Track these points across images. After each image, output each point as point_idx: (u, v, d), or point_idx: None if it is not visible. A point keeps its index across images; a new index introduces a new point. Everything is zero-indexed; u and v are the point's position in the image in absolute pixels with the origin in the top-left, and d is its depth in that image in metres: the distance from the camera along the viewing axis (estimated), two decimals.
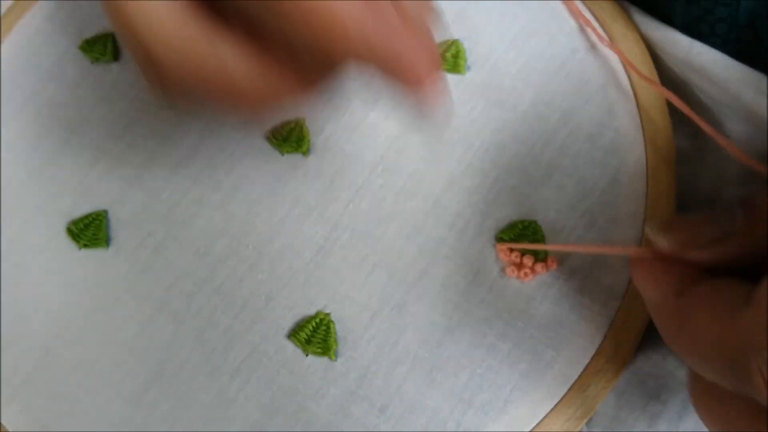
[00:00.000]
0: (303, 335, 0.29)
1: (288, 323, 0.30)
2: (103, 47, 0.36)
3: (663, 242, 0.24)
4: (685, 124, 0.34)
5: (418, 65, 0.23)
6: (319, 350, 0.29)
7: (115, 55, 0.36)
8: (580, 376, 0.28)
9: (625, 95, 0.33)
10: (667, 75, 0.34)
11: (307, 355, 0.29)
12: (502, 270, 0.30)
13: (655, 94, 0.32)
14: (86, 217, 0.32)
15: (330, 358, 0.29)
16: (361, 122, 0.33)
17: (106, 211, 0.33)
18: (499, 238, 0.30)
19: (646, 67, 0.33)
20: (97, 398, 0.29)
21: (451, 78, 0.34)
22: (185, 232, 0.32)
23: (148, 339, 0.30)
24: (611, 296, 0.29)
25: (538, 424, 0.27)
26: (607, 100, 0.33)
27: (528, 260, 0.29)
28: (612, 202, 0.31)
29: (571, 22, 0.34)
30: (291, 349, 0.29)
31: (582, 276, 0.29)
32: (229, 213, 0.32)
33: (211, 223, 0.32)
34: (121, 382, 0.30)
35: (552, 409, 0.27)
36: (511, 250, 0.30)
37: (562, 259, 0.30)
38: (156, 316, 0.30)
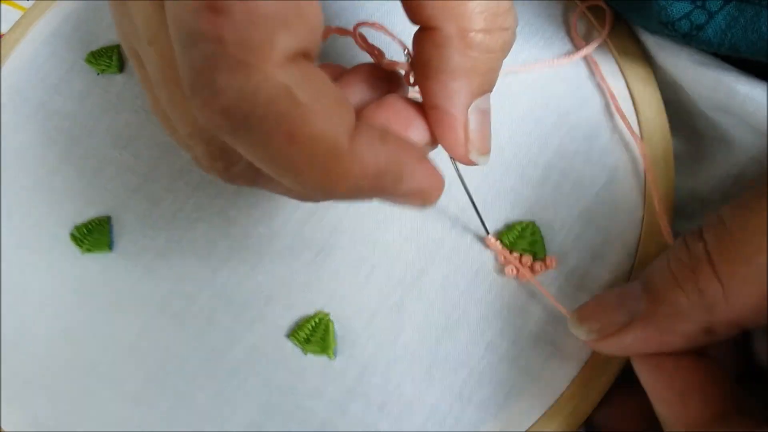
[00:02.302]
0: (302, 334, 0.29)
1: (287, 323, 0.30)
2: (108, 59, 0.37)
3: (582, 334, 0.25)
4: (680, 126, 0.34)
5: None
6: (317, 349, 0.29)
7: (120, 67, 0.37)
8: (580, 371, 0.27)
9: (621, 94, 0.33)
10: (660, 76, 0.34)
11: (305, 354, 0.29)
12: (501, 270, 0.30)
13: (651, 93, 0.33)
14: (90, 222, 0.33)
15: (328, 356, 0.29)
16: None
17: (109, 217, 0.33)
18: (497, 238, 0.30)
19: (643, 69, 0.33)
20: (96, 398, 0.29)
21: None
22: (187, 236, 0.32)
23: (149, 340, 0.30)
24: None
25: (538, 420, 0.27)
26: (603, 101, 0.33)
27: (527, 260, 0.29)
28: (610, 200, 0.31)
29: (567, 25, 0.34)
30: (290, 348, 0.29)
31: (581, 273, 0.29)
32: (230, 217, 0.32)
33: (212, 228, 0.32)
34: (121, 382, 0.30)
35: (553, 405, 0.27)
36: (511, 251, 0.30)
37: (560, 257, 0.30)
38: (157, 317, 0.31)
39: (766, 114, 0.30)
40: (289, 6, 0.17)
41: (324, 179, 0.19)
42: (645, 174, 0.31)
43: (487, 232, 0.30)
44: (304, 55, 0.18)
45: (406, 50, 0.25)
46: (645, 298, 0.23)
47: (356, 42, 0.25)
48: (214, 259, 0.32)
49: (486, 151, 0.25)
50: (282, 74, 0.17)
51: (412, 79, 0.25)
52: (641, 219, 0.30)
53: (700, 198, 0.34)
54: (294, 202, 0.32)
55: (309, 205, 0.32)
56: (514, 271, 0.29)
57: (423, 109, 0.24)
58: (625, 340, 0.24)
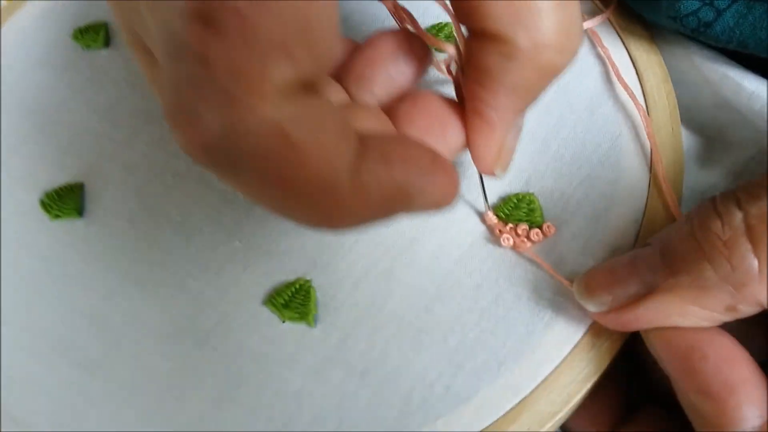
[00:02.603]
0: (280, 300, 0.27)
1: (264, 289, 0.28)
2: (95, 34, 0.36)
3: (591, 306, 0.23)
4: (683, 123, 0.33)
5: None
6: (296, 315, 0.26)
7: (106, 42, 0.36)
8: (583, 336, 0.25)
9: (624, 65, 0.32)
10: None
11: (283, 321, 0.27)
12: (498, 242, 0.27)
13: (655, 61, 0.31)
14: (61, 188, 0.31)
15: (308, 324, 0.26)
16: None
17: (82, 184, 0.31)
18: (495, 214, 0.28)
19: (646, 41, 0.32)
20: (51, 367, 0.27)
21: (441, 56, 0.33)
22: (161, 202, 0.30)
23: (111, 306, 0.28)
24: (616, 255, 0.26)
25: (536, 388, 0.24)
26: (604, 70, 0.32)
27: (523, 229, 0.27)
28: (613, 166, 0.29)
29: None
30: (266, 315, 0.27)
31: (584, 239, 0.27)
32: (208, 185, 0.31)
33: (188, 195, 0.30)
34: (78, 350, 0.27)
35: (553, 371, 0.24)
36: (506, 223, 0.28)
37: (560, 224, 0.28)
38: (122, 283, 0.28)
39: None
40: (293, 27, 0.14)
41: (324, 219, 0.17)
42: (649, 140, 0.30)
43: (488, 209, 0.28)
44: (304, 86, 0.15)
45: (460, 40, 0.23)
46: (664, 269, 0.21)
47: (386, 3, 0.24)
48: (188, 225, 0.29)
49: (507, 167, 0.24)
50: (275, 111, 0.14)
51: (452, 70, 0.24)
52: (648, 184, 0.28)
53: (702, 196, 0.32)
54: None
55: None
56: (510, 240, 0.27)
57: (459, 109, 0.22)
58: (640, 314, 0.22)
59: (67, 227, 0.30)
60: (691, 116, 0.33)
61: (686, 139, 0.33)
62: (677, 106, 0.30)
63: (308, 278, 0.27)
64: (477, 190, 0.28)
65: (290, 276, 0.28)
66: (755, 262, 0.19)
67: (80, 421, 0.25)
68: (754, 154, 0.31)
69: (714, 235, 0.20)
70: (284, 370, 0.25)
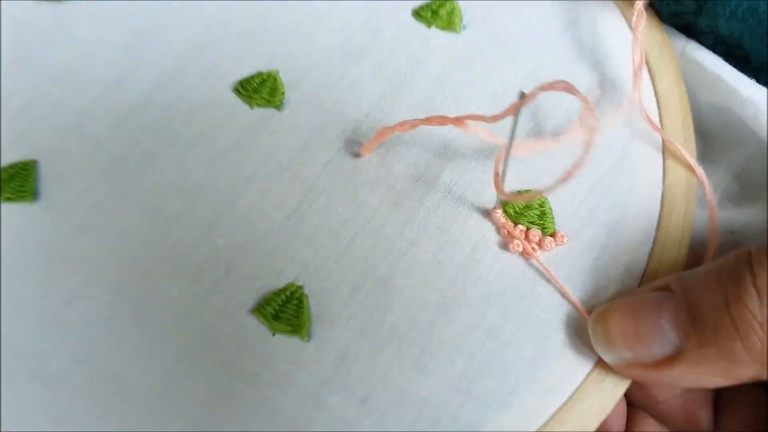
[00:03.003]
0: (270, 309, 0.24)
1: (251, 297, 0.25)
2: None
3: (608, 359, 0.22)
4: None
5: None
6: (288, 328, 0.24)
7: None
8: (595, 365, 0.24)
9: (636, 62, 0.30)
10: None
11: (273, 335, 0.24)
12: (504, 244, 0.26)
13: (667, 60, 0.30)
14: (11, 166, 0.27)
15: (302, 338, 0.24)
16: (343, 78, 0.29)
17: (35, 162, 0.27)
18: (503, 211, 0.26)
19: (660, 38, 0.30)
20: (9, 377, 0.24)
21: (445, 37, 0.30)
22: (131, 188, 0.27)
23: (78, 310, 0.25)
24: (629, 275, 0.25)
25: (548, 421, 0.23)
26: (615, 66, 0.30)
27: (534, 234, 0.25)
28: (626, 170, 0.27)
29: None
30: (254, 326, 0.24)
31: (596, 253, 0.26)
32: (185, 168, 0.27)
33: (163, 180, 0.27)
34: (41, 359, 0.24)
35: (564, 403, 0.23)
36: (515, 223, 0.26)
37: (571, 233, 0.26)
38: (89, 283, 0.25)
39: (765, 118, 0.28)
40: None
41: None
42: (663, 147, 0.28)
43: (498, 206, 0.26)
44: None
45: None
46: (693, 336, 0.20)
47: None
48: (163, 216, 0.26)
49: None
50: None
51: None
52: (661, 196, 0.27)
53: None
54: (262, 154, 0.27)
55: (280, 159, 0.27)
56: (520, 246, 0.25)
57: None
58: (663, 377, 0.21)
59: (20, 212, 0.26)
60: None
61: None
62: (690, 111, 0.29)
63: (300, 284, 0.25)
64: (480, 184, 0.26)
65: (279, 280, 0.25)
66: None
67: None
68: (754, 153, 0.30)
69: (749, 312, 0.19)
70: (278, 393, 0.23)
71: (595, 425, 0.23)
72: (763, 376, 0.19)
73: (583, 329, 0.24)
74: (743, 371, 0.20)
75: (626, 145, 0.28)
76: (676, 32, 0.31)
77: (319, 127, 0.28)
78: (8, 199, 0.26)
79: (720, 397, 0.26)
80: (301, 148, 0.28)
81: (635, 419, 0.25)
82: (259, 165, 0.27)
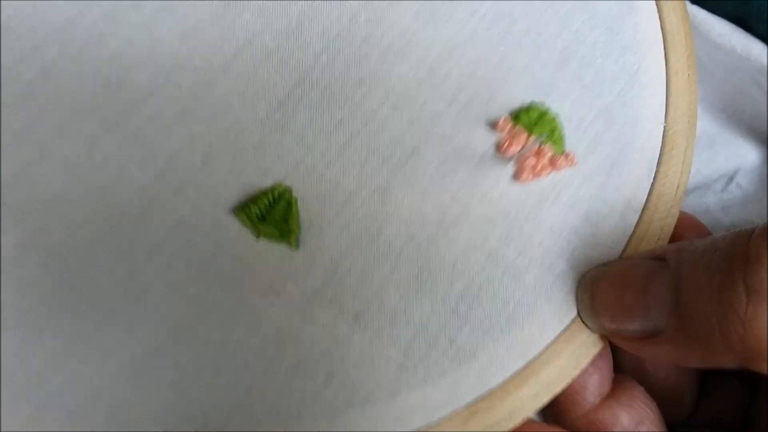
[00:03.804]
0: (255, 210, 0.21)
1: (232, 194, 0.22)
2: None
3: (592, 327, 0.22)
4: None
5: None
6: (275, 232, 0.21)
7: None
8: None
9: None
10: None
11: (257, 238, 0.21)
12: (515, 158, 0.24)
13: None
14: None
15: (290, 245, 0.21)
16: None
17: None
18: (514, 119, 0.24)
19: None
20: None
21: None
22: (89, 53, 0.23)
23: (25, 189, 0.21)
24: (629, 208, 0.24)
25: (546, 348, 0.22)
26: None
27: (547, 150, 0.24)
28: (632, 102, 0.26)
29: None
30: (236, 228, 0.22)
31: (600, 182, 0.24)
32: (154, 39, 0.23)
33: (128, 48, 0.23)
34: None
35: (563, 331, 0.22)
36: (528, 134, 0.24)
37: (580, 159, 0.25)
38: (40, 159, 0.21)
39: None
40: None
41: None
42: (667, 82, 0.27)
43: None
44: None
45: None
46: (676, 319, 0.20)
47: None
48: (127, 90, 0.22)
49: None
50: None
51: None
52: (662, 133, 0.26)
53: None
54: (246, 34, 0.24)
55: (268, 42, 0.24)
56: (532, 161, 0.24)
57: None
58: (640, 350, 0.21)
59: None
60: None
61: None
62: (694, 50, 0.28)
63: (288, 185, 0.22)
64: (488, 92, 0.24)
65: (265, 179, 0.22)
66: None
67: None
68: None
69: (735, 315, 0.18)
70: (261, 301, 0.21)
71: (589, 359, 0.22)
72: (744, 367, 0.19)
73: (584, 259, 0.23)
74: (721, 360, 0.19)
75: (633, 75, 0.27)
76: None
77: (313, 11, 0.25)
78: None
79: (704, 384, 0.26)
80: (291, 32, 0.24)
81: (623, 385, 0.25)
82: (242, 45, 0.24)
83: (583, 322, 0.23)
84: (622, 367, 0.25)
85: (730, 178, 0.30)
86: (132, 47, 0.23)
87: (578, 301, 0.22)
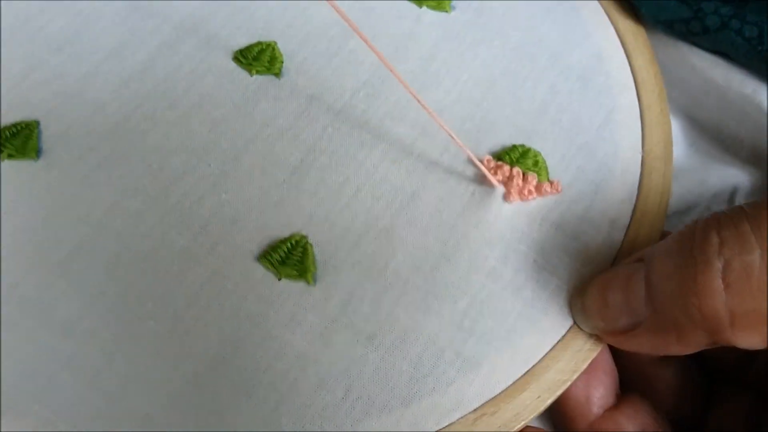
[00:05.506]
0: (276, 256, 0.25)
1: (257, 245, 0.26)
2: None
3: (585, 328, 0.24)
4: None
5: None
6: (294, 272, 0.25)
7: None
8: None
9: (613, 44, 0.32)
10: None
11: (279, 279, 0.25)
12: (503, 185, 0.27)
13: (641, 42, 0.32)
14: (14, 125, 0.27)
15: (307, 282, 0.25)
16: (341, 49, 0.31)
17: (38, 122, 0.28)
18: (497, 158, 0.27)
19: (633, 22, 0.33)
20: (19, 327, 0.24)
21: (435, 15, 0.32)
22: (135, 147, 0.27)
23: (85, 259, 0.25)
24: (614, 227, 0.27)
25: (544, 357, 0.24)
26: (595, 47, 0.32)
27: (532, 178, 0.27)
28: (610, 136, 0.29)
29: None
30: (261, 273, 0.25)
31: (585, 205, 0.27)
32: (188, 130, 0.28)
33: (166, 139, 0.28)
34: (49, 309, 0.24)
35: (559, 341, 0.24)
36: (512, 167, 0.27)
37: (565, 186, 0.27)
38: (95, 235, 0.25)
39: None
40: None
41: None
42: (642, 118, 0.30)
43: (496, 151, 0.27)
44: None
45: None
46: (649, 308, 0.22)
47: None
48: (167, 173, 0.27)
49: None
50: None
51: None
52: (641, 161, 0.29)
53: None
54: (263, 118, 0.28)
55: (281, 122, 0.28)
56: (519, 186, 0.26)
57: None
58: (628, 343, 0.23)
59: (23, 169, 0.27)
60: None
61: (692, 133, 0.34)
62: (664, 87, 0.31)
63: (304, 233, 0.26)
64: (476, 138, 0.28)
65: (284, 231, 0.26)
66: (727, 315, 0.19)
67: (58, 388, 0.23)
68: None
69: (690, 288, 0.20)
70: (285, 332, 0.24)
71: (587, 363, 0.24)
72: (716, 343, 0.20)
73: (575, 275, 0.25)
74: (694, 340, 0.20)
75: (608, 114, 0.30)
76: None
77: (318, 93, 0.29)
78: (10, 156, 0.27)
79: (711, 394, 0.27)
80: (300, 113, 0.29)
81: (628, 397, 0.26)
82: (260, 127, 0.28)
83: (578, 327, 0.24)
84: (630, 384, 0.27)
85: (731, 197, 0.32)
86: (169, 139, 0.28)
87: (572, 307, 0.24)
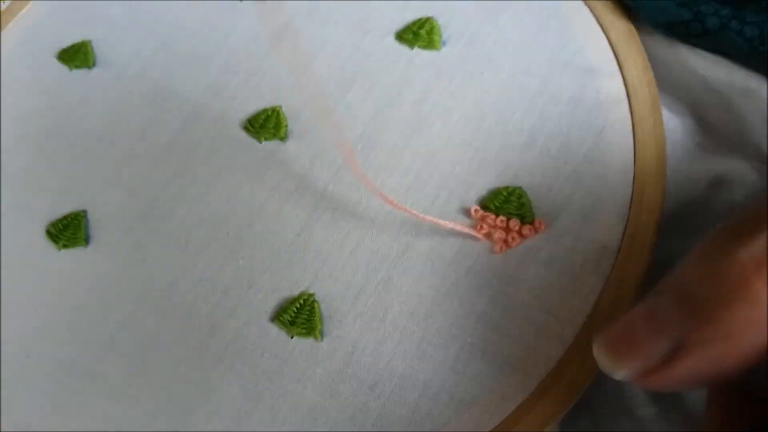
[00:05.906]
0: (287, 317, 0.28)
1: (271, 306, 0.29)
2: (83, 55, 0.36)
3: (621, 377, 0.21)
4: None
5: None
6: (303, 331, 0.28)
7: (93, 62, 0.36)
8: (576, 337, 0.26)
9: (605, 55, 0.32)
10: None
11: (291, 338, 0.28)
12: (488, 236, 0.28)
13: (634, 50, 0.32)
14: (65, 217, 0.32)
15: (315, 338, 0.28)
16: (338, 104, 0.33)
17: (85, 211, 0.32)
18: (483, 207, 0.29)
19: (625, 27, 0.33)
20: (77, 396, 0.28)
21: (427, 55, 0.34)
22: (165, 225, 0.31)
23: (129, 333, 0.29)
24: (604, 254, 0.28)
25: (534, 391, 0.26)
26: (586, 62, 0.32)
27: (514, 224, 0.28)
28: (599, 160, 0.30)
29: None
30: (275, 332, 0.28)
31: (573, 236, 0.28)
32: (208, 203, 0.31)
33: (190, 215, 0.31)
34: (101, 378, 0.29)
35: (549, 373, 0.26)
36: (496, 215, 0.28)
37: (550, 220, 0.29)
38: (137, 310, 0.30)
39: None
40: None
41: None
42: (634, 132, 0.30)
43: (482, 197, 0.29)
44: None
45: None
46: (688, 321, 0.19)
47: None
48: (192, 245, 0.31)
49: None
50: None
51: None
52: (632, 179, 0.29)
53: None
54: (272, 183, 0.31)
55: (288, 184, 0.31)
56: (501, 237, 0.28)
57: None
58: (674, 375, 0.19)
59: (75, 256, 0.31)
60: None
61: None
62: (658, 96, 0.31)
63: (311, 291, 0.29)
64: (464, 188, 0.29)
65: (294, 290, 0.29)
66: None
67: None
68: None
69: (734, 271, 0.18)
70: (298, 386, 0.27)
71: (578, 391, 0.26)
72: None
73: (563, 307, 0.27)
74: (748, 340, 0.18)
75: (598, 134, 0.30)
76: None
77: (320, 152, 0.32)
78: (65, 246, 0.31)
79: None
80: (305, 174, 0.31)
81: None
82: (270, 192, 0.31)
83: (572, 362, 0.26)
84: None
85: (733, 196, 0.32)
86: (192, 212, 0.31)
87: (600, 363, 0.22)
